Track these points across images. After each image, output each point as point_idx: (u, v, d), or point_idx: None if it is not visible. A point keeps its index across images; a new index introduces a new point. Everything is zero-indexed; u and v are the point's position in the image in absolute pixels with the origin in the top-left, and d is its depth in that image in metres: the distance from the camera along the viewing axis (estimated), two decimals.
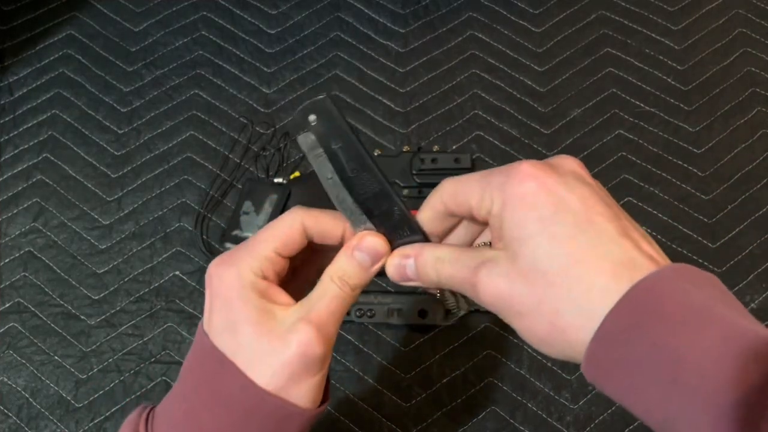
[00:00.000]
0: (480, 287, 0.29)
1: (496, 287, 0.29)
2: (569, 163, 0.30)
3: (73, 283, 0.60)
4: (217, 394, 0.31)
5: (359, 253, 0.33)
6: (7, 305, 0.60)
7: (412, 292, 0.59)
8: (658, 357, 0.25)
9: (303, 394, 0.31)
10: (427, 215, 0.33)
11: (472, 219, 0.32)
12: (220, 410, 0.31)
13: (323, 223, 0.34)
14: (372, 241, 0.33)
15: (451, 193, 0.31)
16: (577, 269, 0.26)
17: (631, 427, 0.55)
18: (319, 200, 0.62)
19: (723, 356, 0.24)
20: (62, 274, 0.61)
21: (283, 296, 0.32)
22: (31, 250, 0.62)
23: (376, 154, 0.64)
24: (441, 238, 0.34)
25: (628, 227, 0.28)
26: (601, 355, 0.26)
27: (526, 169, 0.28)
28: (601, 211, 0.27)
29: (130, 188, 0.64)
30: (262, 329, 0.31)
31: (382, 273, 0.61)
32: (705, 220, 0.61)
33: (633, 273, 0.26)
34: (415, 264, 0.32)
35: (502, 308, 0.29)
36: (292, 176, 0.63)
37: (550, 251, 0.27)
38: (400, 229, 0.33)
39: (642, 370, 0.25)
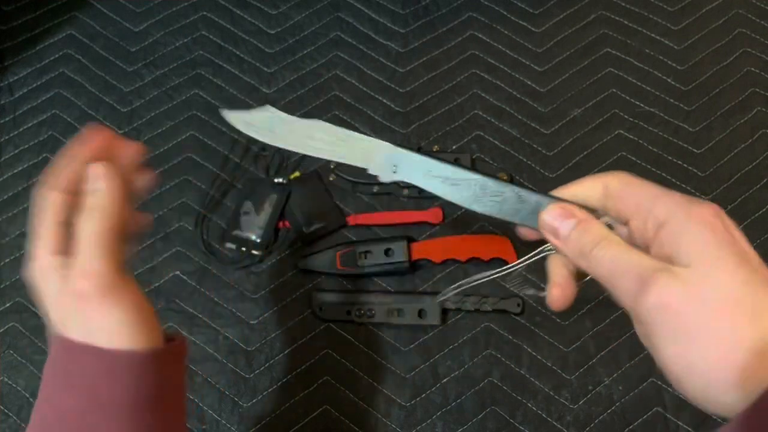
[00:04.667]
0: (653, 289, 0.29)
1: (670, 297, 0.28)
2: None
3: None
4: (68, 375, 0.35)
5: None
6: (8, 305, 0.60)
7: (412, 291, 0.59)
8: None
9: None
10: (582, 189, 0.34)
11: (618, 219, 0.33)
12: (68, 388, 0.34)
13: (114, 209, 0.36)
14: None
15: (625, 184, 0.32)
16: (762, 320, 0.27)
17: (631, 427, 0.55)
18: (319, 200, 0.62)
19: None
20: None
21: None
22: None
23: None
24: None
25: None
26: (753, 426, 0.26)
27: (707, 205, 0.29)
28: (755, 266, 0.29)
29: None
30: None
31: (382, 274, 0.61)
32: None
33: None
34: (577, 228, 0.32)
35: (662, 321, 0.29)
36: (292, 176, 0.63)
37: (735, 287, 0.27)
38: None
39: None
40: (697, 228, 0.29)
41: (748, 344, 0.26)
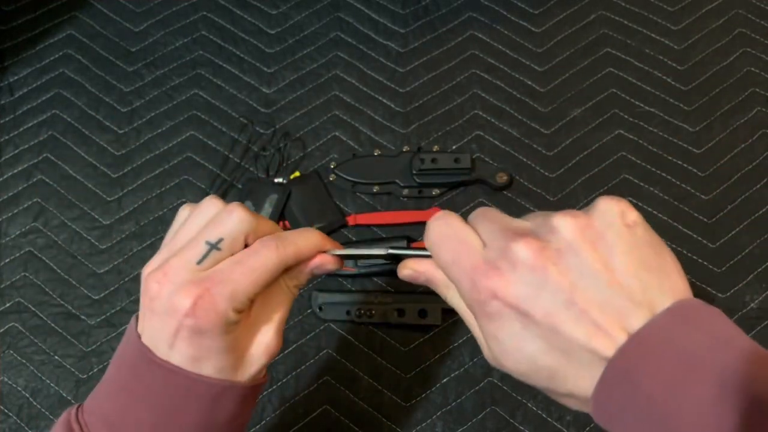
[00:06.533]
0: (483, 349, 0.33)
1: (491, 360, 0.32)
2: (526, 257, 0.29)
3: (74, 283, 0.60)
4: (154, 394, 0.33)
5: (318, 270, 0.38)
6: (8, 305, 0.60)
7: (412, 291, 0.59)
8: (648, 418, 0.26)
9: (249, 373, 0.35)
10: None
11: None
12: (154, 403, 0.33)
13: (300, 255, 0.36)
14: (331, 263, 0.38)
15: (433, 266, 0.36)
16: (556, 381, 0.29)
17: None
18: (319, 200, 0.62)
19: (713, 409, 0.25)
20: (62, 274, 0.61)
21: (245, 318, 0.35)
22: (32, 250, 0.62)
23: (376, 153, 0.64)
24: None
25: (599, 319, 0.28)
26: (604, 414, 0.28)
27: (488, 288, 0.30)
28: (564, 317, 0.28)
29: (130, 188, 0.64)
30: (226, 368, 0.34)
31: (382, 274, 0.61)
32: (705, 220, 0.61)
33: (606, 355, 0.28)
34: (430, 278, 0.36)
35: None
36: (292, 176, 0.63)
37: (528, 369, 0.29)
38: None
39: (638, 427, 0.27)
40: (481, 324, 0.31)
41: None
